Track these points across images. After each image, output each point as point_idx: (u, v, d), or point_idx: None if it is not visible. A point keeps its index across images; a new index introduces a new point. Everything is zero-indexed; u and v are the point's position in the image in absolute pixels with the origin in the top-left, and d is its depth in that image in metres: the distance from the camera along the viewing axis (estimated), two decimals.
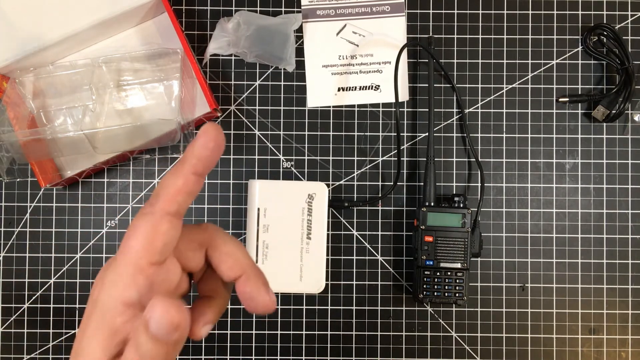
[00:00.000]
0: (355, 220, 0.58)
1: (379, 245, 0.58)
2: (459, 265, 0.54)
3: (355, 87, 0.59)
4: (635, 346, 0.58)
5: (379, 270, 0.58)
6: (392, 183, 0.58)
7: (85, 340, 0.23)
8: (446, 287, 0.54)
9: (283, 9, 0.59)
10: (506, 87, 0.59)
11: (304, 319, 0.58)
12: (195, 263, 0.26)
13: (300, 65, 0.59)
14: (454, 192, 0.58)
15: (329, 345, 0.58)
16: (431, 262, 0.54)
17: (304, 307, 0.58)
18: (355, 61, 0.59)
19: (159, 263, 0.23)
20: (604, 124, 0.59)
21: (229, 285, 0.28)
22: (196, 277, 0.28)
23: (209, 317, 0.26)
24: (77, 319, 0.58)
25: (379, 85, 0.59)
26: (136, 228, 0.23)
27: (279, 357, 0.58)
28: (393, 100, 0.58)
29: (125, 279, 0.23)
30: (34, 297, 0.58)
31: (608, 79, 0.59)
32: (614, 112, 0.57)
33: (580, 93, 0.59)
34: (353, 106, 0.59)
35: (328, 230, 0.57)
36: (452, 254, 0.54)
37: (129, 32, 0.59)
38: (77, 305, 0.58)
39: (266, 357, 0.58)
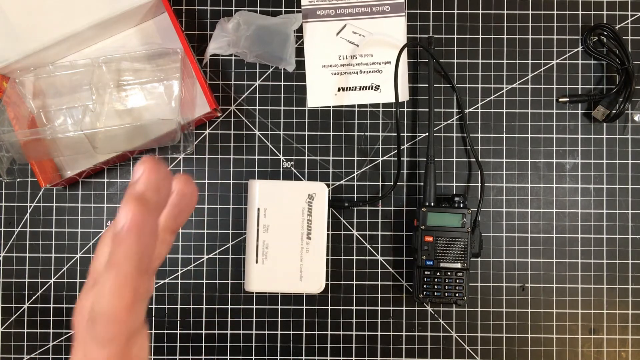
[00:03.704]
0: (355, 220, 0.58)
1: (379, 245, 0.58)
2: (459, 265, 0.54)
3: (355, 87, 0.59)
4: (635, 346, 0.58)
5: (379, 270, 0.58)
6: (392, 183, 0.58)
7: None
8: (446, 287, 0.54)
9: (283, 9, 0.59)
10: (506, 87, 0.59)
11: (304, 319, 0.58)
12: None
13: (300, 65, 0.59)
14: (454, 192, 0.58)
15: (329, 345, 0.58)
16: (431, 262, 0.54)
17: (304, 307, 0.58)
18: (355, 61, 0.59)
19: None
20: (604, 124, 0.59)
21: None
22: None
23: None
24: None
25: (379, 85, 0.59)
26: None
27: (279, 357, 0.58)
28: (393, 100, 0.58)
29: None
30: (34, 297, 0.58)
31: (608, 79, 0.59)
32: (614, 112, 0.57)
33: (580, 93, 0.59)
34: (353, 106, 0.59)
35: (328, 230, 0.57)
36: (452, 254, 0.54)
37: (129, 32, 0.59)
38: None
39: (266, 357, 0.58)
